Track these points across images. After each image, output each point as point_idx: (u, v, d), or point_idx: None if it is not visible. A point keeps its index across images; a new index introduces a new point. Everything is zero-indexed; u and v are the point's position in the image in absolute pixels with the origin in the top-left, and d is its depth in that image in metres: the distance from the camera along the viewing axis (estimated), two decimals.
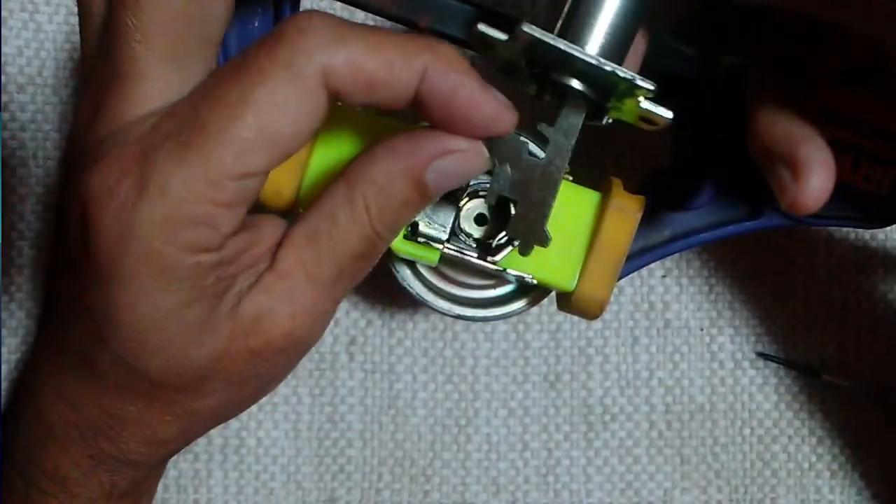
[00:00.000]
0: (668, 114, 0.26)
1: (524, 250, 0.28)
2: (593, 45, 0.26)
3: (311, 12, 0.24)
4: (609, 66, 0.25)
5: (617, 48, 0.26)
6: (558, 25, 0.26)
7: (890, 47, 0.24)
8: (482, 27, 0.26)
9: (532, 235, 0.28)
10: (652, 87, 0.25)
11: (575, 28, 0.26)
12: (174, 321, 0.24)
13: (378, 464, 0.42)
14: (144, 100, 0.25)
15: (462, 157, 0.25)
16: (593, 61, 0.25)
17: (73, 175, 0.25)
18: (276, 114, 0.23)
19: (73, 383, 0.26)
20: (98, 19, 0.26)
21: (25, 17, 0.41)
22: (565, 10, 0.26)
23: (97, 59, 0.26)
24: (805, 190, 0.26)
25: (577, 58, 0.25)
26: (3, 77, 0.41)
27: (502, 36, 0.26)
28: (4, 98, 0.41)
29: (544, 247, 0.28)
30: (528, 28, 0.25)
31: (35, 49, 0.41)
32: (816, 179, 0.26)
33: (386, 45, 0.24)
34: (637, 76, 0.25)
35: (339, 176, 0.26)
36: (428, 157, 0.25)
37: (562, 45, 0.25)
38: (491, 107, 0.24)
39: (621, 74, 0.25)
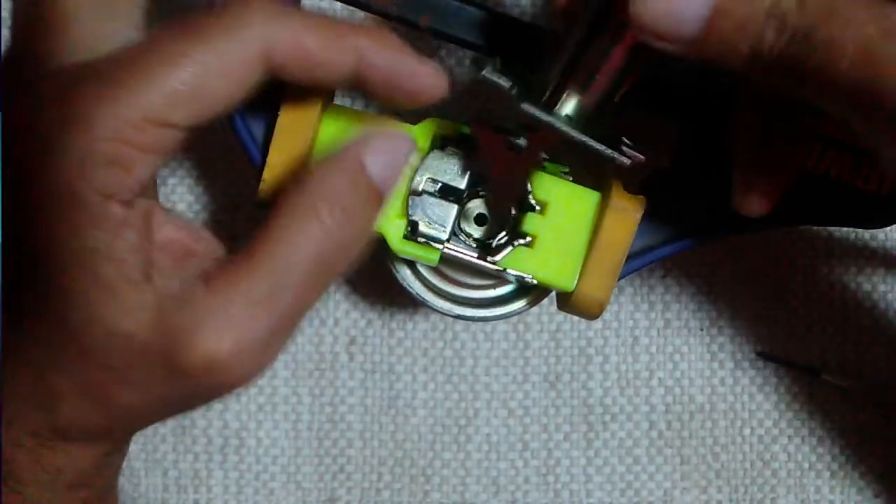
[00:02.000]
0: (636, 159, 0.28)
1: (494, 229, 0.31)
2: (574, 102, 0.27)
3: None
4: (582, 140, 0.27)
5: (600, 107, 0.28)
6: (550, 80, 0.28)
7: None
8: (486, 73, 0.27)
9: (500, 217, 0.31)
10: (619, 161, 0.27)
11: (564, 86, 0.27)
12: (85, 269, 0.24)
13: (378, 464, 0.42)
14: (69, 43, 0.25)
15: (397, 146, 0.27)
16: (571, 135, 0.27)
17: None
18: (212, 74, 0.24)
19: (18, 341, 0.26)
20: None
21: None
22: (555, 68, 0.27)
23: (26, 10, 0.27)
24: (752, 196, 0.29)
25: (558, 129, 0.27)
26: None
27: (501, 83, 0.27)
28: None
29: (507, 225, 0.31)
30: (525, 106, 0.26)
31: None
32: (763, 187, 0.29)
33: (324, 26, 0.25)
34: (608, 152, 0.27)
35: (280, 199, 0.26)
36: (362, 146, 0.26)
37: (544, 119, 0.27)
38: (430, 77, 0.26)
39: (594, 146, 0.27)
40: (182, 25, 0.24)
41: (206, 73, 0.24)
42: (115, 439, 0.29)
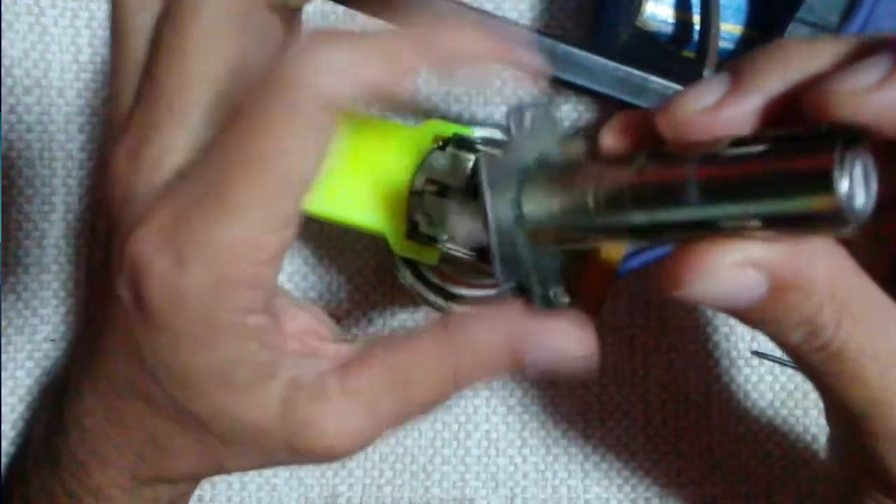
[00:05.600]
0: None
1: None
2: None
3: (305, 44, 0.23)
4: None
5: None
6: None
7: None
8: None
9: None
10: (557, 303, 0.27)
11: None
12: (221, 378, 0.25)
13: (379, 460, 0.42)
14: (181, 152, 0.25)
15: (567, 350, 0.26)
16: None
17: (117, 227, 0.25)
18: (296, 159, 0.23)
19: (124, 408, 0.27)
20: (137, 61, 0.26)
21: (31, 21, 0.41)
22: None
23: (134, 104, 0.26)
24: None
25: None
26: (9, 80, 0.41)
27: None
28: (11, 100, 0.41)
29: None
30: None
31: (41, 52, 0.41)
32: None
33: (386, 50, 0.23)
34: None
35: (441, 321, 0.26)
36: (531, 339, 0.26)
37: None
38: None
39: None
40: (244, 120, 0.23)
41: (291, 163, 0.23)
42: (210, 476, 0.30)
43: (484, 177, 0.25)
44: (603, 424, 0.43)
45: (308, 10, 0.41)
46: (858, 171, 0.20)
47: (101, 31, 0.41)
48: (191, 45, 0.25)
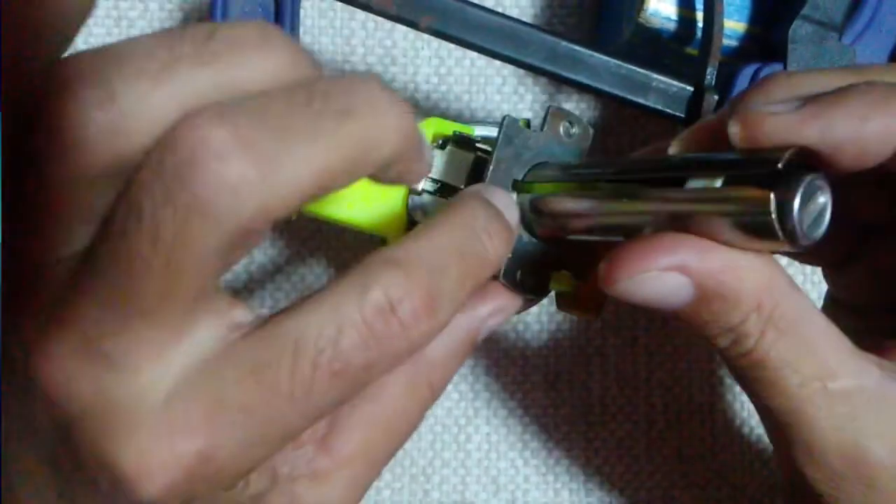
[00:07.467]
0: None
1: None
2: None
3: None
4: None
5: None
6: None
7: None
8: None
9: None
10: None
11: None
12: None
13: None
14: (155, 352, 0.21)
15: (507, 312, 0.27)
16: None
17: (92, 434, 0.21)
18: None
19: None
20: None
21: None
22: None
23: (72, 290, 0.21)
24: None
25: None
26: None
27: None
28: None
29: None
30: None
31: None
32: None
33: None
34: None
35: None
36: (481, 322, 0.26)
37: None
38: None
39: None
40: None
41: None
42: None
43: (504, 128, 0.28)
44: (605, 427, 0.42)
45: (306, 6, 0.41)
46: (805, 195, 0.21)
47: (96, 29, 0.41)
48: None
